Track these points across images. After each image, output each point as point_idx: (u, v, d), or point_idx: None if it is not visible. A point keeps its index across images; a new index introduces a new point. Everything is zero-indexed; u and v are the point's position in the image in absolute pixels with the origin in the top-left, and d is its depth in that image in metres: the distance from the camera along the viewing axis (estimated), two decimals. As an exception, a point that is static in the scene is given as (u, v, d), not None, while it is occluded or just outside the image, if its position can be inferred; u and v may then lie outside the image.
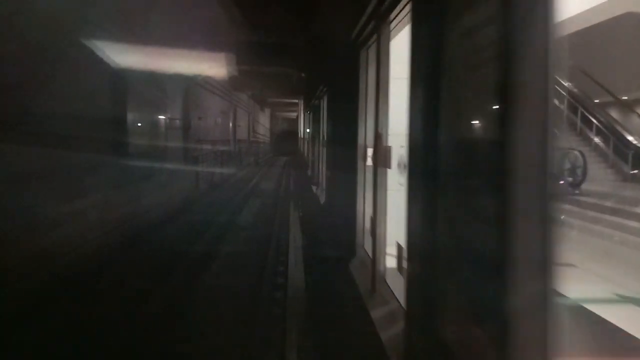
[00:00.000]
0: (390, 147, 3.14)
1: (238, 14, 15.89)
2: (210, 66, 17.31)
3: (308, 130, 20.85)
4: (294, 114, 40.39)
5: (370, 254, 3.98)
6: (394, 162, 3.24)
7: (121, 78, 10.10)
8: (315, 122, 13.78)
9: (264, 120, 42.88)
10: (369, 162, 4.18)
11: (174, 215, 10.09)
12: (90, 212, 7.81)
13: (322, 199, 9.23)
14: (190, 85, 16.51)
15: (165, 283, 5.54)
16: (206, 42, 16.44)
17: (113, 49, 9.73)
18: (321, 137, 10.68)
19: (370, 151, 4.17)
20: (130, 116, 11.12)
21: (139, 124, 12.03)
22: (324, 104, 9.90)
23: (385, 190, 3.29)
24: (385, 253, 3.37)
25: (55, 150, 7.25)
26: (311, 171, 15.64)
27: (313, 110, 14.40)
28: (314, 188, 12.51)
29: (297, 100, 30.24)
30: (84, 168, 8.12)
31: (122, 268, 6.02)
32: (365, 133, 4.28)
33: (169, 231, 8.60)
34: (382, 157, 3.23)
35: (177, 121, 15.33)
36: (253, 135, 36.57)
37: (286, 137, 39.59)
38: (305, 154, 21.30)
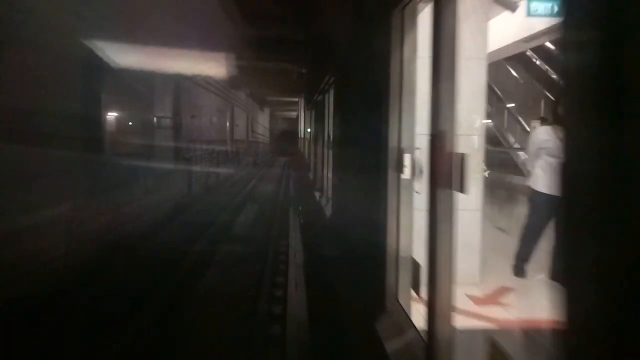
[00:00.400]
0: (465, 155, 1.82)
1: (233, 5, 14.74)
2: (204, 61, 16.06)
3: (309, 130, 19.82)
4: (294, 114, 39.68)
5: (414, 318, 2.65)
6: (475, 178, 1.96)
7: (97, 70, 8.76)
8: (318, 121, 12.47)
9: (263, 120, 41.64)
10: (406, 173, 2.85)
11: (157, 226, 8.77)
12: (50, 228, 6.46)
13: (328, 211, 7.89)
14: (182, 81, 15.16)
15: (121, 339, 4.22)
16: (199, 36, 15.31)
17: (91, 39, 8.40)
18: (326, 138, 9.34)
19: (408, 158, 2.84)
20: (109, 113, 9.79)
21: (120, 122, 10.69)
22: (330, 98, 8.56)
23: (451, 226, 1.97)
24: (451, 327, 2.04)
25: (9, 151, 5.91)
26: (313, 174, 14.33)
27: (316, 107, 13.09)
28: (317, 194, 11.18)
29: (297, 99, 29.31)
30: (49, 173, 6.77)
31: (68, 313, 4.67)
32: (400, 132, 2.94)
33: (146, 250, 7.26)
34: (446, 171, 1.90)
35: (167, 120, 13.99)
36: (252, 135, 35.38)
37: (286, 137, 39.55)
38: (306, 155, 20.07)
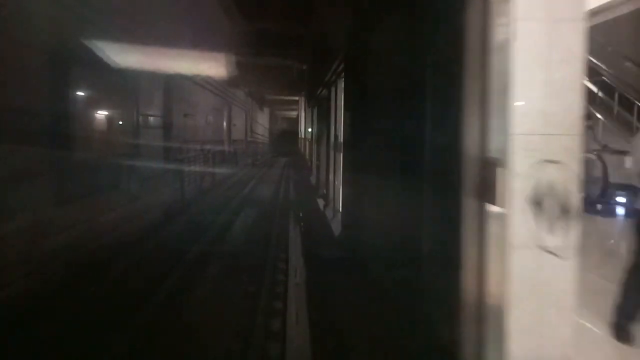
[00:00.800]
0: None
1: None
2: (199, 58, 14.95)
3: (310, 129, 18.79)
4: (294, 113, 38.91)
5: None
6: None
7: (77, 64, 7.57)
8: (322, 119, 11.30)
9: (262, 120, 40.54)
10: (500, 205, 1.68)
11: (135, 240, 7.59)
12: (7, 243, 5.25)
13: (336, 225, 6.72)
14: (174, 78, 13.96)
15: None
16: (193, 30, 14.26)
17: (76, 32, 7.25)
18: (332, 138, 8.15)
19: (502, 176, 1.68)
20: (88, 111, 8.64)
21: (102, 120, 9.53)
22: (336, 92, 7.39)
23: None
24: None
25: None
26: (316, 179, 13.18)
27: (319, 104, 11.93)
28: (320, 202, 10.01)
29: (297, 98, 28.40)
30: (14, 176, 5.59)
31: None
32: (484, 133, 1.79)
33: (120, 271, 6.10)
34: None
35: (156, 119, 12.78)
36: (251, 135, 34.31)
37: (286, 137, 38.98)
38: (307, 157, 18.98)
